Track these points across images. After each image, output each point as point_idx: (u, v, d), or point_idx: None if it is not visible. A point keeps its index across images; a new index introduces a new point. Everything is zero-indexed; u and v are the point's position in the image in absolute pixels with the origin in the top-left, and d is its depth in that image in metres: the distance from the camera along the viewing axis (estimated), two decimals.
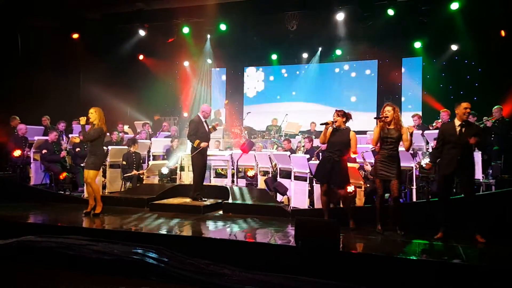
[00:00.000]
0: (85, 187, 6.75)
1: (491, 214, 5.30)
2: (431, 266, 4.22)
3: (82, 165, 8.34)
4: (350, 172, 5.91)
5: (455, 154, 5.05)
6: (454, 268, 4.15)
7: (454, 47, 11.82)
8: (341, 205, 5.96)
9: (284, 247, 4.88)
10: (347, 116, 5.75)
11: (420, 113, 10.26)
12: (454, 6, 10.03)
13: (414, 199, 6.67)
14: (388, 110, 5.44)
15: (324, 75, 14.20)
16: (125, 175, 8.65)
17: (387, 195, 5.91)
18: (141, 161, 9.09)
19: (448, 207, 5.18)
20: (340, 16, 10.96)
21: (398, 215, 5.43)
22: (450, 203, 5.21)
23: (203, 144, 7.15)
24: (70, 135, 9.55)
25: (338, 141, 5.67)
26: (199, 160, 7.26)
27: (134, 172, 8.64)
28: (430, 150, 7.52)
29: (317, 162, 7.14)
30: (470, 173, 5.11)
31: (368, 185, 6.74)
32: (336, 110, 5.78)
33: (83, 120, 6.53)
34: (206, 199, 7.37)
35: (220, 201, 7.33)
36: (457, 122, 5.12)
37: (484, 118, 8.07)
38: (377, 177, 5.51)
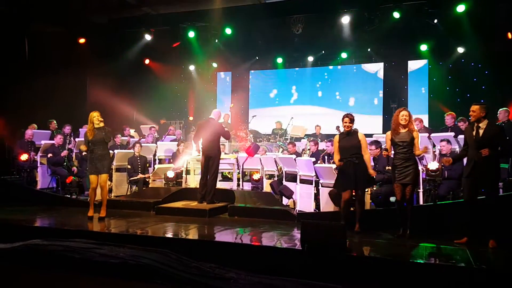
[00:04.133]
0: (94, 191, 6.63)
1: (498, 217, 5.23)
2: (439, 270, 4.19)
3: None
4: None
5: (472, 157, 5.04)
6: (461, 271, 4.12)
7: (460, 50, 11.76)
8: (354, 208, 5.93)
9: (290, 251, 4.86)
10: (354, 120, 5.93)
11: (422, 117, 10.19)
12: (461, 8, 9.98)
13: (421, 203, 6.63)
14: (406, 114, 5.50)
15: (330, 78, 14.19)
16: (131, 178, 8.68)
17: (392, 198, 5.88)
18: (147, 165, 9.11)
19: (474, 211, 5.04)
20: (345, 19, 10.95)
21: (408, 218, 5.42)
22: (474, 206, 5.06)
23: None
24: (77, 139, 9.59)
25: (351, 145, 5.75)
26: (218, 165, 7.48)
27: (140, 175, 8.66)
28: (437, 153, 7.47)
29: (323, 165, 7.13)
30: (489, 176, 4.96)
31: (374, 189, 6.71)
32: (348, 115, 5.85)
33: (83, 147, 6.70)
34: (218, 201, 7.41)
35: (225, 204, 7.33)
36: (475, 124, 5.11)
37: None
38: (395, 182, 5.50)
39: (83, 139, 9.24)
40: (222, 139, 9.13)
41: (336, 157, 5.93)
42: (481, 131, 5.02)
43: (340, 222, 5.67)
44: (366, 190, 6.42)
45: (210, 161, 7.32)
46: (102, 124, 6.57)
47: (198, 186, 7.57)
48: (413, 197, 5.60)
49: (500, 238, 4.88)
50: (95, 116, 6.58)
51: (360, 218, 5.72)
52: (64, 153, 8.89)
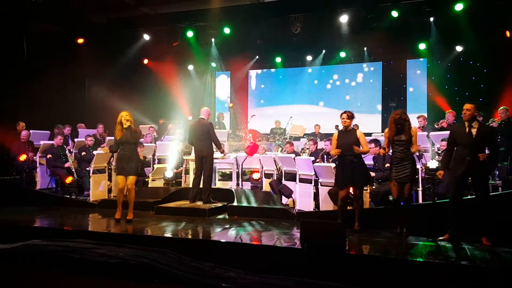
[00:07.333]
0: (121, 192, 6.41)
1: (497, 215, 5.25)
2: (438, 268, 4.19)
3: (87, 168, 8.37)
4: None
5: (465, 155, 5.01)
6: (461, 270, 4.13)
7: (459, 48, 11.76)
8: (351, 207, 5.95)
9: (290, 250, 4.87)
10: (353, 117, 5.93)
11: (425, 114, 10.21)
12: (459, 7, 10.00)
13: (420, 201, 6.64)
14: (400, 115, 5.50)
15: (329, 77, 14.19)
16: None
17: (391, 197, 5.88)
18: (145, 165, 9.09)
19: (458, 209, 5.11)
20: (344, 19, 10.94)
21: (407, 216, 5.45)
22: (460, 204, 5.13)
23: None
24: (75, 139, 9.57)
25: (348, 142, 5.74)
26: (212, 164, 7.47)
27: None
28: (436, 151, 7.48)
29: (322, 164, 7.14)
30: (482, 174, 5.04)
31: (374, 187, 6.72)
32: (345, 112, 5.86)
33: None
34: (216, 201, 7.41)
35: (225, 204, 7.33)
36: (466, 123, 5.10)
37: (490, 120, 8.01)
38: (391, 181, 5.53)
39: (82, 139, 9.30)
40: (223, 138, 9.09)
41: (333, 151, 5.91)
42: (473, 131, 5.01)
43: (338, 220, 5.69)
44: (365, 188, 6.43)
45: (203, 160, 7.32)
46: (129, 124, 6.35)
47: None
48: (411, 196, 5.62)
49: (494, 236, 4.91)
50: (123, 115, 6.36)
51: (359, 217, 5.74)
52: (68, 164, 8.75)
